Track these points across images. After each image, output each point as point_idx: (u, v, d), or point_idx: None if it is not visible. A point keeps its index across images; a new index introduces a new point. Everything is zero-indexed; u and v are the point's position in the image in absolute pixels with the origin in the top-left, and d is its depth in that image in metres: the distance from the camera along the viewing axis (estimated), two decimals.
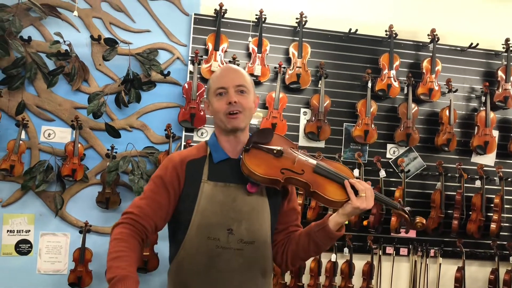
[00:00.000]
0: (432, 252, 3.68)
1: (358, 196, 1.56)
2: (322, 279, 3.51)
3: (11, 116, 3.31)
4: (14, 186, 3.32)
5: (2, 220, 3.31)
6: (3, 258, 3.31)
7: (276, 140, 1.68)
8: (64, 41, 3.28)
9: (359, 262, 3.57)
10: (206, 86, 1.81)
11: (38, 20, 3.37)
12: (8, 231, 3.33)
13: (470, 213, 3.63)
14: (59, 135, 3.41)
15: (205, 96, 1.80)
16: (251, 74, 3.46)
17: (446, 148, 3.63)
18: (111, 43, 3.34)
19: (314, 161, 1.64)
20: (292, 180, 1.60)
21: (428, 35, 3.68)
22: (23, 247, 3.35)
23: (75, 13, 3.24)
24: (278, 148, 1.62)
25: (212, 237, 1.60)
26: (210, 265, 1.61)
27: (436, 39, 3.66)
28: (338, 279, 3.53)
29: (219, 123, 1.68)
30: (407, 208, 1.67)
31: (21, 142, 3.23)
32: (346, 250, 3.55)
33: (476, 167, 3.70)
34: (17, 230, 3.34)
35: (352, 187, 1.58)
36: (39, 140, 3.37)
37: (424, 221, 1.71)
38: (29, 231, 3.36)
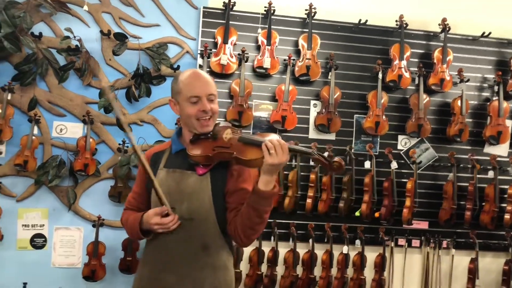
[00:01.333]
0: (444, 243, 3.65)
1: (270, 154, 1.72)
2: (334, 271, 3.51)
3: (24, 112, 3.35)
4: (28, 181, 3.36)
5: (17, 214, 3.36)
6: (18, 252, 3.36)
7: (221, 128, 1.93)
8: (74, 37, 3.30)
9: (371, 254, 3.56)
10: (172, 84, 1.99)
11: (48, 16, 3.39)
12: (23, 225, 3.37)
13: (483, 204, 3.60)
14: (71, 130, 3.44)
15: (171, 94, 2.00)
16: (260, 67, 3.46)
17: (458, 139, 3.60)
18: (121, 38, 3.35)
19: (240, 134, 1.88)
20: (222, 154, 1.84)
21: (439, 24, 3.64)
22: (38, 241, 3.39)
23: (85, 7, 3.26)
24: (212, 133, 1.91)
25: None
26: (157, 236, 1.91)
27: (448, 29, 3.61)
28: (350, 271, 3.53)
29: (189, 125, 1.93)
30: (325, 154, 1.80)
31: (33, 137, 3.27)
32: (358, 242, 3.54)
33: (489, 158, 3.66)
34: (31, 225, 3.39)
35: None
36: (51, 135, 3.40)
37: (342, 162, 1.75)
38: (43, 225, 3.40)
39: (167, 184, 1.90)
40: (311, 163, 3.52)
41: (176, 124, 3.43)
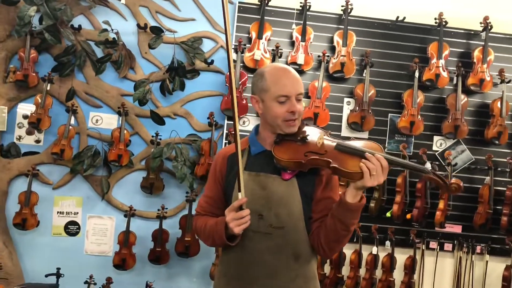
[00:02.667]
0: (478, 248, 3.55)
1: (371, 176, 1.59)
2: (362, 271, 3.46)
3: (62, 102, 3.44)
4: (64, 169, 3.46)
5: (53, 202, 3.46)
6: (53, 238, 3.46)
7: (305, 130, 1.79)
8: (112, 30, 3.37)
9: (401, 256, 3.49)
10: (256, 80, 1.81)
11: (87, 9, 3.47)
12: (58, 212, 3.48)
13: None
14: (106, 121, 3.51)
15: (253, 91, 1.83)
16: (294, 63, 3.44)
17: (497, 141, 3.48)
18: (157, 31, 3.39)
19: (336, 141, 1.73)
20: (316, 161, 1.69)
21: (481, 23, 3.52)
22: (72, 228, 3.49)
23: (123, 0, 3.31)
24: (301, 135, 1.75)
25: None
26: (243, 247, 1.76)
27: (489, 27, 3.49)
28: (378, 272, 3.48)
29: (273, 125, 1.78)
30: (438, 172, 1.67)
31: (70, 127, 3.35)
32: (388, 243, 3.49)
33: None
34: (66, 212, 3.49)
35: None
36: (87, 125, 3.49)
37: (461, 184, 1.64)
38: (77, 213, 3.50)
39: (250, 189, 1.74)
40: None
41: (208, 118, 3.45)
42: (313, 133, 1.77)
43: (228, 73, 3.40)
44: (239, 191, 1.69)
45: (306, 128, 1.80)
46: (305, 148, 1.72)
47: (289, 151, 1.72)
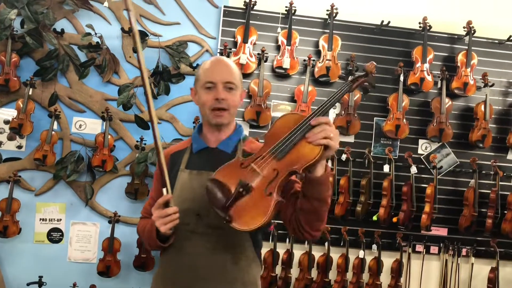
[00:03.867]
0: (464, 251, 3.57)
1: (331, 139, 1.46)
2: (349, 275, 3.45)
3: (44, 107, 3.38)
4: (47, 175, 3.40)
5: (35, 208, 3.40)
6: (36, 246, 3.39)
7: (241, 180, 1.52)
8: (96, 33, 3.32)
9: (388, 260, 3.50)
10: (196, 73, 1.80)
11: (71, 13, 3.42)
12: (40, 219, 3.41)
13: (505, 212, 3.50)
14: (90, 126, 3.46)
15: (194, 84, 1.80)
16: (280, 67, 3.43)
17: (481, 145, 3.51)
18: (141, 35, 3.36)
19: (270, 152, 1.52)
20: (282, 183, 1.49)
21: (464, 27, 3.55)
22: (55, 235, 3.43)
23: (106, 4, 3.28)
24: (240, 189, 1.48)
25: (184, 222, 1.64)
26: (180, 248, 1.68)
27: (473, 32, 3.53)
28: (365, 276, 3.47)
29: (204, 115, 1.74)
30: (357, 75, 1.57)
31: (53, 132, 3.30)
32: (374, 247, 3.49)
33: None
34: (49, 219, 3.42)
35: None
36: (70, 131, 3.43)
37: (373, 64, 1.58)
38: (61, 219, 3.43)
39: (190, 188, 1.68)
40: (330, 165, 3.46)
41: (194, 122, 3.42)
42: (249, 175, 1.51)
43: None
44: (163, 187, 1.61)
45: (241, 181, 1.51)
46: (258, 193, 1.46)
47: (253, 211, 1.46)
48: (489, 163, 3.59)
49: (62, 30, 3.35)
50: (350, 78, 1.55)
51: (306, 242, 3.44)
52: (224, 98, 1.67)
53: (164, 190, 1.61)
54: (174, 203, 1.64)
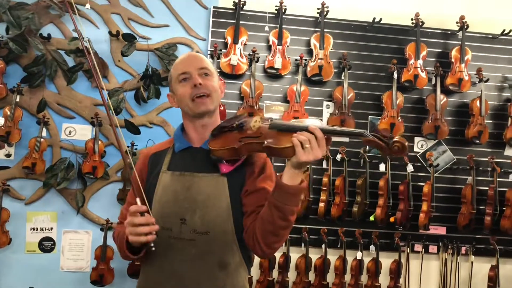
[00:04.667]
0: (463, 249, 3.51)
1: (304, 149, 1.40)
2: (347, 277, 3.40)
3: (33, 114, 3.32)
4: (37, 184, 3.33)
5: (26, 217, 3.33)
6: (27, 256, 3.32)
7: (248, 118, 1.65)
8: (83, 38, 3.26)
9: (386, 260, 3.44)
10: (169, 78, 1.75)
11: (57, 18, 3.37)
12: (31, 228, 3.34)
13: (504, 208, 3.44)
14: (80, 132, 3.40)
15: (170, 89, 1.74)
16: (271, 67, 3.38)
17: (478, 141, 3.46)
18: (130, 38, 3.30)
19: (270, 121, 1.59)
20: (251, 145, 1.55)
21: (457, 22, 3.51)
22: (47, 245, 3.36)
23: (87, 5, 3.22)
24: (237, 122, 1.61)
25: (165, 227, 1.56)
26: (163, 256, 1.58)
27: (466, 27, 3.48)
28: (364, 278, 3.42)
29: (186, 110, 1.65)
30: (376, 133, 1.45)
31: (42, 139, 3.23)
32: (372, 247, 3.43)
33: (510, 160, 3.52)
34: (40, 228, 3.35)
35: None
36: (60, 137, 3.37)
37: (405, 142, 1.39)
38: (52, 228, 3.37)
39: (173, 190, 1.60)
40: (325, 165, 3.42)
41: None
42: (252, 120, 1.62)
43: None
44: (136, 196, 1.52)
45: (245, 117, 1.66)
46: (240, 134, 1.57)
47: (224, 140, 1.59)
48: (486, 159, 3.55)
49: (49, 35, 3.29)
50: (373, 133, 1.46)
51: (303, 244, 3.38)
52: (202, 83, 1.61)
53: (137, 200, 1.51)
54: (157, 206, 1.57)
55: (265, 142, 1.50)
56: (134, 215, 1.48)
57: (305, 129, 1.44)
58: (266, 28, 3.43)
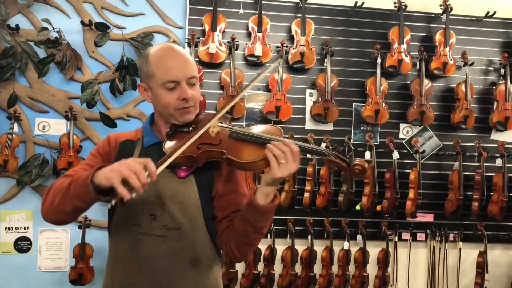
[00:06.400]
0: (451, 236, 3.47)
1: (279, 165, 1.36)
2: (334, 268, 3.33)
3: (3, 109, 3.18)
4: (10, 181, 3.20)
5: (0, 217, 3.20)
6: (2, 257, 3.20)
7: (204, 119, 1.56)
8: (53, 28, 3.12)
9: (374, 250, 3.38)
10: (141, 65, 1.59)
11: (26, 8, 3.21)
12: (6, 228, 3.22)
13: (491, 194, 3.40)
14: (54, 127, 3.27)
15: (140, 78, 1.63)
16: (252, 55, 3.28)
17: (463, 126, 3.40)
18: (102, 28, 3.17)
19: (231, 128, 1.52)
20: (211, 153, 1.48)
21: (440, 5, 3.44)
22: (23, 245, 3.24)
23: None
24: (193, 125, 1.54)
25: (134, 223, 1.51)
26: (131, 252, 1.52)
27: (449, 9, 3.41)
28: (352, 268, 3.35)
29: (166, 115, 1.56)
30: (338, 151, 1.44)
31: (14, 135, 3.10)
32: (359, 237, 3.37)
33: (496, 145, 3.46)
34: (15, 227, 3.23)
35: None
36: (33, 133, 3.24)
37: (365, 165, 1.39)
38: (28, 227, 3.24)
39: None
40: (309, 155, 3.34)
41: None
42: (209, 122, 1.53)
43: None
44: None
45: (203, 116, 1.58)
46: (198, 139, 1.46)
47: (178, 144, 1.47)
48: (473, 144, 3.49)
49: (17, 25, 3.14)
50: (336, 151, 1.44)
51: (289, 236, 3.30)
52: (191, 96, 1.51)
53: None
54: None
55: (225, 153, 1.44)
56: (142, 167, 1.30)
57: (274, 141, 1.40)
58: (241, 11, 3.31)
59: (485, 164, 3.43)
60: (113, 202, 1.30)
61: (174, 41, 3.35)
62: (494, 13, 3.47)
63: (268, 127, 1.54)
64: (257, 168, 1.44)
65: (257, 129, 1.52)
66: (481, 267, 3.37)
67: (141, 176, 1.28)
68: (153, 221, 1.50)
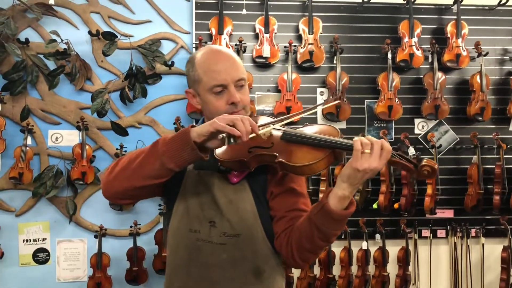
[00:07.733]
0: (473, 232, 3.38)
1: (362, 154, 1.24)
2: (354, 269, 3.27)
3: (17, 123, 3.21)
4: (26, 194, 3.22)
5: (18, 229, 3.23)
6: (21, 269, 3.22)
7: (258, 121, 1.48)
8: (62, 40, 3.14)
9: (393, 248, 3.31)
10: (188, 70, 1.54)
11: (35, 21, 3.24)
12: (24, 240, 3.24)
13: None
14: (67, 138, 3.29)
15: (188, 84, 1.57)
16: (260, 56, 3.25)
17: (480, 118, 3.32)
18: (110, 37, 3.18)
19: (284, 129, 1.42)
20: (263, 157, 1.39)
21: None
22: (41, 256, 3.25)
23: (51, 1, 3.10)
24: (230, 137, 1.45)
25: (193, 229, 1.46)
26: (190, 259, 1.47)
27: (460, 0, 3.33)
28: (371, 268, 3.29)
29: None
30: (403, 151, 1.35)
31: (28, 148, 3.13)
32: (377, 236, 3.30)
33: None
34: (33, 239, 3.25)
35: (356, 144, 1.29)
36: (47, 145, 3.26)
37: (435, 165, 1.27)
38: (45, 239, 3.26)
39: (197, 192, 1.46)
40: None
41: (174, 123, 3.24)
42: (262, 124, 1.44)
43: None
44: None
45: (258, 119, 1.49)
46: (250, 143, 1.36)
47: (231, 149, 1.40)
48: (491, 136, 3.40)
49: (27, 39, 3.17)
50: (402, 151, 1.33)
51: None
52: (240, 99, 1.46)
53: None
54: (182, 205, 1.47)
55: (277, 157, 1.35)
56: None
57: (330, 142, 1.33)
58: (244, 12, 3.28)
59: (505, 156, 3.34)
60: (227, 140, 1.28)
61: (182, 47, 3.34)
62: (507, 0, 3.38)
63: (323, 127, 1.44)
64: (311, 172, 1.35)
65: (310, 130, 1.43)
66: (506, 262, 3.27)
67: (246, 122, 1.26)
68: (212, 228, 1.44)
